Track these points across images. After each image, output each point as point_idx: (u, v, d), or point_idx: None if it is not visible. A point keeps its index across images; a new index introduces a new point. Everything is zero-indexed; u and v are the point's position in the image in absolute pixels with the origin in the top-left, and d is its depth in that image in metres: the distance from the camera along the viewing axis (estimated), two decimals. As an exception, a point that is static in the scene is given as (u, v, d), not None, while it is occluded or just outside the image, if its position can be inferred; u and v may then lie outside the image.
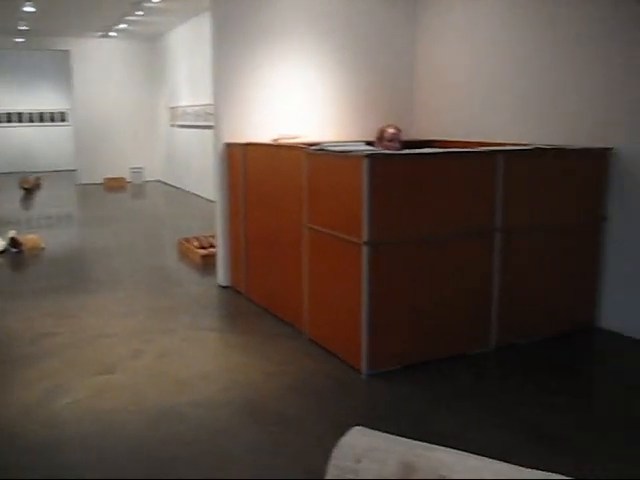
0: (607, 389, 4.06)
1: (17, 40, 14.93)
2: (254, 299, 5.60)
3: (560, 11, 5.02)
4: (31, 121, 18.76)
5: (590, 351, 4.69)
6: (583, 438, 3.35)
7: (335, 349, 4.34)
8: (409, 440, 2.50)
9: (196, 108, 12.39)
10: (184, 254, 7.50)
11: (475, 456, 2.47)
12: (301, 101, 6.11)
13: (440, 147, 5.69)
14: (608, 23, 4.68)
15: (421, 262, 4.10)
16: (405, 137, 5.93)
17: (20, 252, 7.67)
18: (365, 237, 3.87)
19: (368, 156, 3.82)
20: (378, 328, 4.01)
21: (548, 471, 2.09)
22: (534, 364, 4.29)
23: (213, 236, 6.83)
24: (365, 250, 3.88)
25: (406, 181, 3.99)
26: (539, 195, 4.49)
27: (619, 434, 3.40)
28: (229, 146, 5.85)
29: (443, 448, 2.54)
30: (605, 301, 4.87)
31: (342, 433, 2.25)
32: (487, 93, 5.80)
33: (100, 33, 14.45)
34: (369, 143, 5.15)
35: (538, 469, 2.13)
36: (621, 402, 3.76)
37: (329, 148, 4.32)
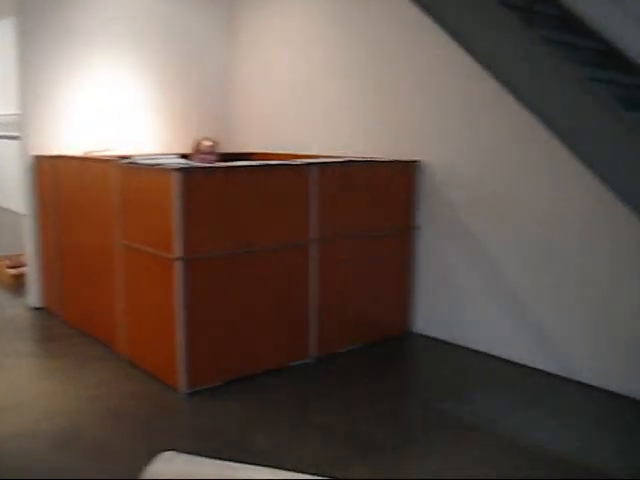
0: (421, 392, 4.22)
1: None
2: (70, 321, 5.31)
3: (382, 30, 5.20)
4: None
5: (405, 356, 4.89)
6: (401, 442, 3.46)
7: (154, 370, 4.20)
8: (221, 462, 2.44)
9: (6, 117, 11.60)
10: (-7, 275, 6.98)
11: (288, 472, 2.46)
12: (115, 111, 5.89)
13: (259, 160, 5.70)
14: (425, 50, 4.91)
15: (238, 276, 4.07)
16: (224, 149, 5.90)
17: None
18: (178, 253, 3.77)
19: (179, 169, 3.73)
20: (196, 345, 3.92)
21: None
22: (353, 372, 4.39)
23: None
24: (178, 266, 3.78)
25: (220, 194, 3.94)
26: (353, 206, 4.62)
27: (435, 434, 3.55)
28: (38, 158, 5.52)
29: (255, 467, 2.51)
30: (418, 306, 5.10)
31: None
32: (303, 105, 5.89)
33: None
34: (185, 156, 5.06)
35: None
36: (435, 404, 3.92)
37: (140, 161, 4.18)
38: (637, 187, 2.99)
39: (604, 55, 4.08)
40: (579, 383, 4.20)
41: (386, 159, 4.94)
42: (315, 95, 5.78)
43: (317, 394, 4.05)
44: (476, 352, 4.73)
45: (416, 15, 4.35)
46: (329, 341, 4.59)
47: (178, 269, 3.79)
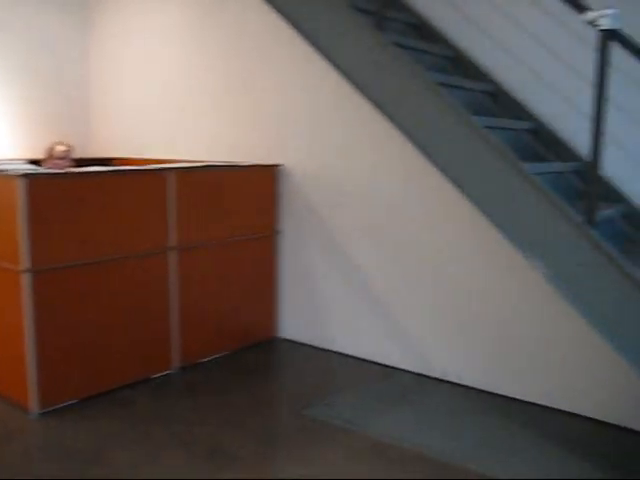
0: (288, 398, 4.20)
1: None
2: None
3: (244, 32, 5.12)
4: None
5: (272, 362, 4.84)
6: (267, 451, 3.41)
7: (2, 390, 3.92)
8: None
9: None
10: None
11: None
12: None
13: (119, 165, 5.52)
14: (286, 54, 4.89)
15: (93, 286, 3.88)
16: (81, 154, 5.65)
17: None
18: (25, 264, 3.54)
19: (24, 175, 3.51)
20: (48, 362, 3.70)
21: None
22: (217, 381, 4.29)
23: None
24: (26, 278, 3.55)
25: (71, 201, 3.74)
26: (214, 211, 4.53)
27: (302, 440, 3.52)
28: None
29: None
30: (284, 311, 5.08)
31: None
32: (166, 108, 5.74)
33: None
34: (36, 161, 4.80)
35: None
36: (302, 409, 3.88)
37: (-18, 167, 3.92)
38: (479, 186, 3.10)
39: (453, 61, 4.23)
40: (444, 382, 4.31)
41: (247, 163, 4.89)
42: (177, 98, 5.63)
43: (180, 406, 3.92)
44: (343, 355, 4.76)
45: (274, 18, 4.35)
46: (193, 350, 4.47)
47: (25, 282, 3.56)
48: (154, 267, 4.21)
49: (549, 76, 3.85)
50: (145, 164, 4.95)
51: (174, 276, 4.30)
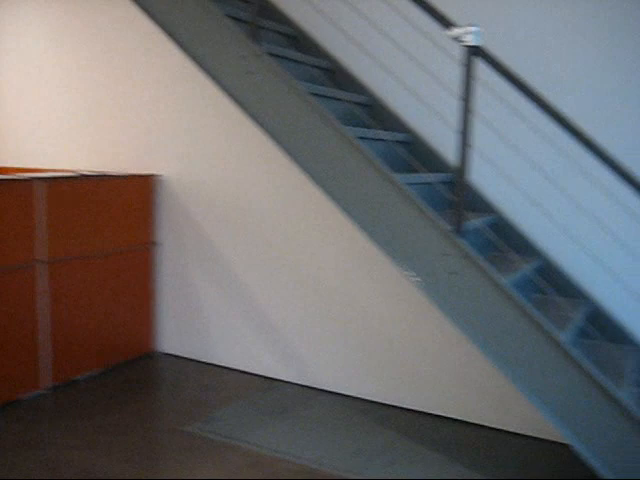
0: (167, 415, 4.07)
1: None
2: None
3: (119, 41, 4.99)
4: None
5: (149, 377, 4.69)
6: (145, 472, 3.29)
7: None
8: None
9: None
10: None
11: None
12: None
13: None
14: (165, 63, 4.78)
15: (-47, 304, 3.65)
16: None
17: None
18: None
19: None
20: None
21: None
22: (91, 400, 4.12)
23: None
24: None
25: None
26: (88, 223, 4.36)
27: (182, 459, 3.42)
28: None
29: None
30: (164, 324, 4.96)
31: None
32: (44, 117, 5.49)
33: None
34: None
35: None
36: (182, 426, 3.79)
37: None
38: (352, 197, 3.14)
39: (329, 73, 4.27)
40: (326, 392, 4.33)
41: (123, 173, 4.74)
42: (50, 106, 5.41)
43: (50, 429, 3.73)
44: (224, 368, 4.70)
45: (148, 26, 4.26)
46: (66, 368, 4.28)
47: None
48: (20, 281, 3.99)
49: (422, 89, 3.96)
50: (14, 173, 4.71)
51: (44, 290, 4.10)
